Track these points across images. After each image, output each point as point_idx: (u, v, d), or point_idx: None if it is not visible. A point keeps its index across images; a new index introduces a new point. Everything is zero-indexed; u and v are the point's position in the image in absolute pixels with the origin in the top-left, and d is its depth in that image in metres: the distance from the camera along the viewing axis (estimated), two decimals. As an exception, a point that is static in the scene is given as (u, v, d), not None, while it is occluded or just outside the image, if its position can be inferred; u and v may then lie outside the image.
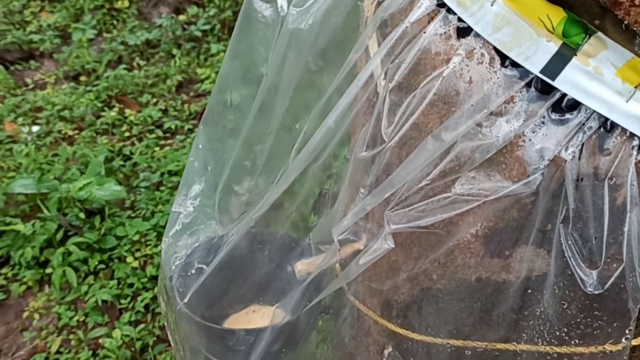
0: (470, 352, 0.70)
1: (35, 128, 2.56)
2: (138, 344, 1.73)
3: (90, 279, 1.90)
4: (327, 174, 0.76)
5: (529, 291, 0.66)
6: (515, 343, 0.69)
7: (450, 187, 0.59)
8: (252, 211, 0.77)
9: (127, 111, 2.62)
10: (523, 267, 0.65)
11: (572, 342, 0.65)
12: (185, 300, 0.77)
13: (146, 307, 1.83)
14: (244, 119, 0.74)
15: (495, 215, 0.61)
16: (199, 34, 3.10)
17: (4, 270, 1.93)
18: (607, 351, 0.65)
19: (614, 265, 0.57)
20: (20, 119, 2.56)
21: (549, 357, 0.69)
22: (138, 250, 1.99)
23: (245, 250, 0.82)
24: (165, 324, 0.87)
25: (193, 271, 0.78)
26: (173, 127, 2.53)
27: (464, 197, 0.58)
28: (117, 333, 1.70)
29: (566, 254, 0.58)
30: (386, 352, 0.75)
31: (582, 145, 0.54)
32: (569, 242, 0.58)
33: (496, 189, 0.57)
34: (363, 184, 0.65)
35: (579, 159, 0.54)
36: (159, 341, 1.75)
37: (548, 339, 0.66)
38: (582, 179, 0.55)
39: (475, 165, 0.57)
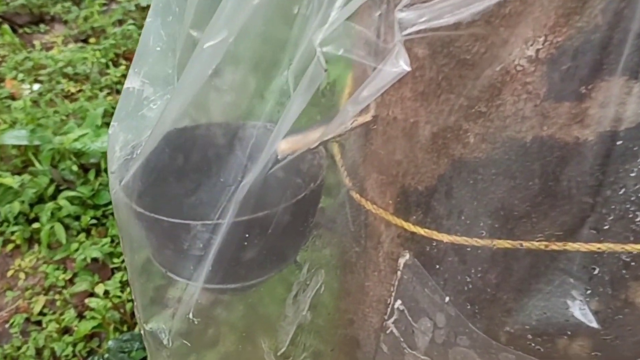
0: (521, 256, 0.48)
1: (36, 86, 2.41)
2: (129, 306, 1.54)
3: (82, 236, 1.73)
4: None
5: (615, 156, 0.44)
6: (589, 241, 0.47)
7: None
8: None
9: (134, 69, 2.45)
10: (607, 115, 0.42)
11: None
12: (133, 197, 0.57)
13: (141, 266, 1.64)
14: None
15: (566, 19, 0.39)
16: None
17: (-11, 226, 1.78)
18: None
19: None
20: (21, 75, 2.41)
21: (635, 263, 0.46)
22: (135, 207, 1.81)
23: (202, 132, 0.62)
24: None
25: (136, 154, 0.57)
26: (181, 85, 2.35)
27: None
28: (100, 288, 1.52)
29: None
30: (402, 261, 0.53)
31: None
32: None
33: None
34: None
35: None
36: (152, 304, 1.56)
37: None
38: None
39: None
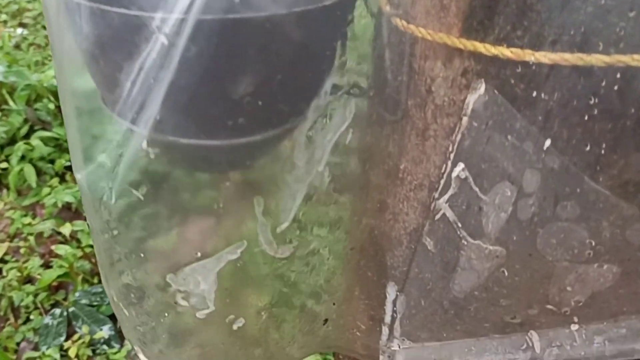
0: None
1: (20, 30, 2.22)
2: (102, 257, 1.35)
3: (55, 181, 1.54)
4: None
5: None
6: None
7: None
8: None
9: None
10: None
11: None
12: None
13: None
14: None
15: None
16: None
17: (-47, 167, 1.59)
18: None
19: None
20: (4, 17, 2.23)
21: None
22: (116, 152, 1.62)
23: None
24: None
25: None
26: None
27: None
28: (67, 228, 1.33)
29: None
30: (471, 99, 0.35)
31: None
32: None
33: None
34: None
35: None
36: (129, 257, 1.38)
37: None
38: None
39: None
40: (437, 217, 0.39)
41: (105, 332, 1.20)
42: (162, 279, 0.34)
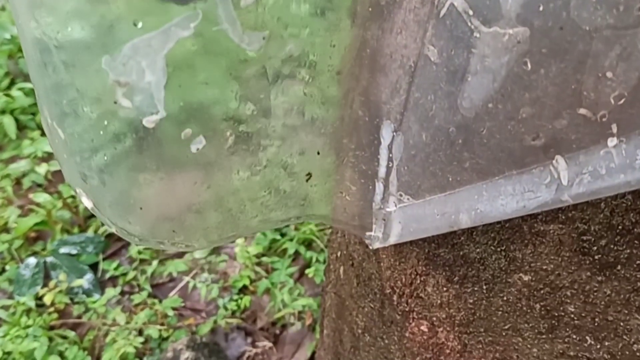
0: None
1: (6, -9, 2.14)
2: (82, 207, 1.28)
3: (36, 133, 1.47)
4: None
5: None
6: None
7: None
8: None
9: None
10: None
11: None
12: None
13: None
14: None
15: None
16: None
17: None
18: None
19: None
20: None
21: None
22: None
23: None
24: None
25: None
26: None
27: None
28: (42, 168, 1.26)
29: None
30: None
31: None
32: None
33: None
34: None
35: None
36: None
37: None
38: None
39: None
40: (443, 11, 0.32)
41: (84, 280, 1.13)
42: (98, 63, 0.27)
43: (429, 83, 0.35)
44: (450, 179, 0.37)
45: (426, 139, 0.36)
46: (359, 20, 0.34)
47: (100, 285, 1.16)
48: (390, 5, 0.34)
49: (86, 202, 0.35)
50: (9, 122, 1.44)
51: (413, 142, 0.37)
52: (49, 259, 1.17)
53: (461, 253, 0.43)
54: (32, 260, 1.16)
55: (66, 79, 0.29)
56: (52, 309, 1.07)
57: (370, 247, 0.41)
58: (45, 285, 1.12)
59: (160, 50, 0.28)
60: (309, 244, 1.21)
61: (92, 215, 1.29)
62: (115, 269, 1.17)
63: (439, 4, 0.32)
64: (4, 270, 1.18)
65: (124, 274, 1.16)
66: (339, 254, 0.58)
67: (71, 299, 1.11)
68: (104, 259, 1.20)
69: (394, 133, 0.38)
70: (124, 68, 0.28)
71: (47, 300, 1.06)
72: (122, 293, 1.13)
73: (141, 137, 0.30)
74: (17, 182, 1.36)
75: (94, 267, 1.18)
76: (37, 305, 1.09)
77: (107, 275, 1.17)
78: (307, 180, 0.40)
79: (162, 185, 0.32)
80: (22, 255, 1.20)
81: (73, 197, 1.31)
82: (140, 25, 0.27)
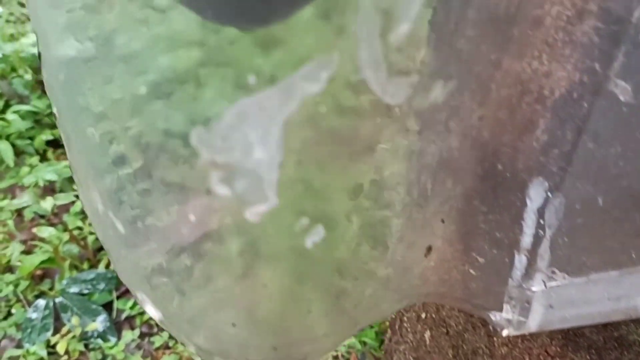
0: None
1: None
2: (91, 240, 1.18)
3: (35, 159, 1.36)
4: None
5: None
6: None
7: None
8: None
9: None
10: None
11: None
12: None
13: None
14: None
15: None
16: None
17: None
18: None
19: None
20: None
21: None
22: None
23: None
24: None
25: None
26: None
27: None
28: (49, 203, 1.16)
29: None
30: None
31: None
32: None
33: None
34: None
35: None
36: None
37: None
38: None
39: None
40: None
41: (99, 323, 1.03)
42: (182, 138, 0.18)
43: (615, 130, 0.25)
44: (633, 255, 0.28)
45: (604, 204, 0.27)
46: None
47: (116, 326, 1.06)
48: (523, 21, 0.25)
49: (152, 313, 0.25)
50: (5, 148, 1.34)
51: (581, 207, 0.28)
52: (59, 300, 1.07)
53: (615, 334, 0.33)
54: (40, 303, 1.06)
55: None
56: (66, 358, 0.97)
57: (499, 332, 0.32)
58: (56, 330, 1.02)
59: (278, 113, 0.18)
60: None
61: (101, 249, 1.19)
62: (131, 308, 1.07)
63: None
64: (9, 314, 1.08)
65: (141, 314, 1.06)
66: (423, 315, 0.49)
67: (86, 345, 1.01)
68: (117, 297, 1.10)
69: (548, 193, 0.28)
70: (223, 142, 0.18)
71: (60, 348, 0.96)
72: (141, 335, 1.03)
73: (241, 232, 0.21)
74: (19, 214, 1.26)
75: (107, 306, 1.08)
76: (49, 354, 0.99)
77: (123, 316, 1.07)
78: (425, 256, 0.30)
79: (265, 291, 0.23)
80: (28, 297, 1.10)
81: (80, 228, 1.21)
82: (253, 80, 0.17)
